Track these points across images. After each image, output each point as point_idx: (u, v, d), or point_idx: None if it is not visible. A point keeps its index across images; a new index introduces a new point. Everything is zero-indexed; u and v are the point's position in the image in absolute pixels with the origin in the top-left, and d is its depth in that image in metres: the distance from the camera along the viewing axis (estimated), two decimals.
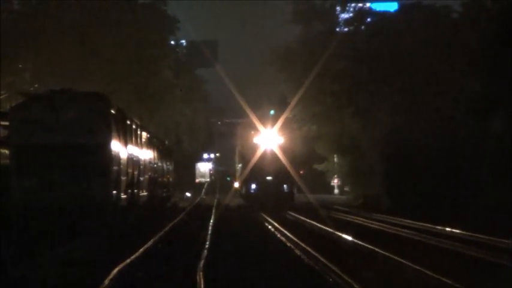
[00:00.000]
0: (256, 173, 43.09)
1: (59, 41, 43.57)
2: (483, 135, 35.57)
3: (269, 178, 43.08)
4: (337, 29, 57.15)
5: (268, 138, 43.95)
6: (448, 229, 25.02)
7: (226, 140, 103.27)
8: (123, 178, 26.89)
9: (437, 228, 25.68)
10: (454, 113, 38.97)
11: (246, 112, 46.85)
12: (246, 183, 45.30)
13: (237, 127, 59.19)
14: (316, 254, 17.49)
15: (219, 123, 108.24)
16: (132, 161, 29.47)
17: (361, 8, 56.52)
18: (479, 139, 35.85)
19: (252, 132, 45.27)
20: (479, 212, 30.48)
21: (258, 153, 43.47)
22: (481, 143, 35.52)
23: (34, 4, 45.85)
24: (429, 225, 26.88)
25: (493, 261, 17.14)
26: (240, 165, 50.37)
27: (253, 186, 43.77)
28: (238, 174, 52.94)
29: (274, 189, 42.70)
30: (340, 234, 23.44)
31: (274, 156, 42.98)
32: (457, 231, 23.96)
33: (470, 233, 22.73)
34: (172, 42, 64.41)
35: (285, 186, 42.99)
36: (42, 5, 45.32)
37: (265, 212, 36.60)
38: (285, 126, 44.82)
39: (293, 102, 49.16)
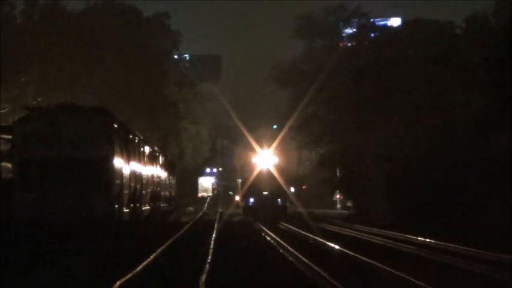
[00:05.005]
0: (254, 188, 48.64)
1: (62, 56, 43.71)
2: (486, 152, 35.49)
3: (265, 193, 48.22)
4: (341, 44, 57.23)
5: (265, 158, 49.99)
6: (426, 240, 25.10)
7: (229, 155, 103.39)
8: (126, 192, 26.85)
9: (432, 242, 25.92)
10: (457, 128, 38.93)
11: (247, 129, 51.74)
12: (245, 197, 50.86)
13: (238, 144, 63.60)
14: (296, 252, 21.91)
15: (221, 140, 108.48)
16: (135, 175, 29.44)
17: (364, 23, 56.56)
18: (482, 155, 35.76)
19: (251, 151, 51.28)
20: (482, 228, 30.38)
21: (256, 171, 49.18)
22: (484, 159, 35.43)
23: (38, 20, 45.93)
24: (419, 238, 27.24)
25: (497, 277, 17.09)
26: (240, 180, 55.01)
27: (251, 200, 48.89)
28: (239, 189, 57.72)
29: (269, 203, 47.63)
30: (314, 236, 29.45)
31: (270, 174, 48.45)
32: (456, 245, 23.89)
33: (472, 249, 22.60)
34: (175, 57, 64.61)
35: (279, 200, 47.97)
36: (46, 22, 45.45)
37: (262, 223, 40.93)
38: (283, 146, 50.06)
39: (293, 117, 52.14)
